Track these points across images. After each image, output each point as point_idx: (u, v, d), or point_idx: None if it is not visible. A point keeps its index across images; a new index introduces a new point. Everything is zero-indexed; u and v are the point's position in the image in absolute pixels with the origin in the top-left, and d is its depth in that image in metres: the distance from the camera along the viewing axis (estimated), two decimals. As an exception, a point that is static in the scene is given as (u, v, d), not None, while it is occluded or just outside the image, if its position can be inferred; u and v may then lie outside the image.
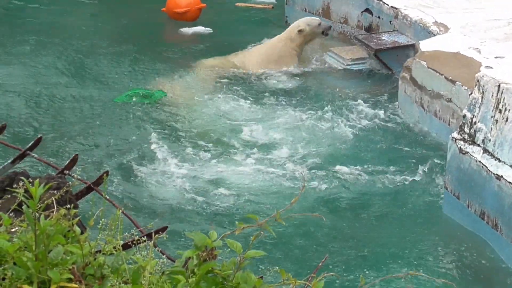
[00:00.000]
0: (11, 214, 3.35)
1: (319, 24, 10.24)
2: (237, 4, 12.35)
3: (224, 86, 9.54)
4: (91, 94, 9.27)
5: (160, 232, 3.48)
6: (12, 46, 10.59)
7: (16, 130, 8.24)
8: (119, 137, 8.30)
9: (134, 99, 8.92)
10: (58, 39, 10.81)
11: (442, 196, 7.28)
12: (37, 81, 9.56)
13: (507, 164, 6.51)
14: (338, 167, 7.85)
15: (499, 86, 6.66)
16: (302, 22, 10.27)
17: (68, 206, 3.33)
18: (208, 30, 11.31)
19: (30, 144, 4.44)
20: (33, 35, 10.94)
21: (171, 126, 8.60)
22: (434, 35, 9.00)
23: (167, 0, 11.49)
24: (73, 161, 4.33)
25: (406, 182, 7.62)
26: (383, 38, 9.65)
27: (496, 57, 7.88)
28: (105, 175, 3.98)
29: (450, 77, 7.93)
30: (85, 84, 9.54)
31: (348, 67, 9.89)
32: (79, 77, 9.75)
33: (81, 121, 8.66)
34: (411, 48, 9.23)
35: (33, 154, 4.44)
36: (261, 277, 3.00)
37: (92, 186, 4.21)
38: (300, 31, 10.14)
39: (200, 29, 11.30)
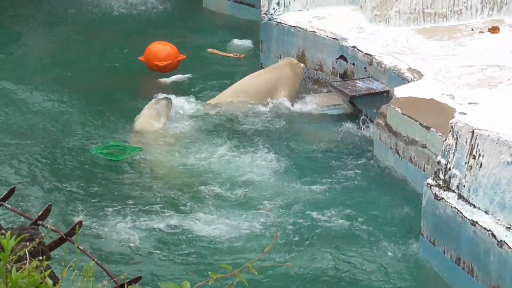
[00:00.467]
0: (-18, 267, 3.32)
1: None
2: (209, 50, 12.39)
3: (204, 130, 9.55)
4: (66, 144, 9.23)
5: (133, 283, 3.46)
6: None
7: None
8: (93, 187, 8.26)
9: (109, 153, 8.84)
10: (31, 89, 10.76)
11: (418, 242, 7.28)
12: (11, 130, 9.52)
13: (481, 210, 6.53)
14: (312, 213, 7.84)
15: (472, 132, 6.70)
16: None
17: (41, 257, 3.30)
18: (187, 75, 11.31)
19: (3, 195, 4.42)
20: (7, 86, 10.92)
21: (145, 175, 8.58)
22: (409, 81, 9.07)
23: (146, 51, 11.45)
24: (47, 211, 4.31)
25: (382, 229, 7.61)
26: (358, 84, 9.72)
27: (469, 103, 7.96)
28: (77, 226, 3.96)
29: (425, 123, 7.98)
30: (60, 134, 9.49)
31: (323, 112, 9.93)
32: (54, 126, 9.69)
33: (56, 171, 8.59)
34: (386, 94, 9.28)
35: (6, 205, 4.41)
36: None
37: (65, 236, 4.18)
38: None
39: (178, 77, 11.31)
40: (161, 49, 11.40)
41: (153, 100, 9.86)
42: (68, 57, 12.32)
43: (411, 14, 10.66)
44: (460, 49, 9.87)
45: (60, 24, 13.89)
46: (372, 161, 8.78)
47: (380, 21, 10.65)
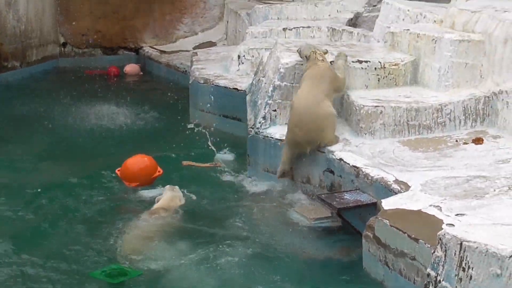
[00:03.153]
0: None
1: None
2: (184, 162, 12.37)
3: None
4: (62, 266, 9.05)
5: None
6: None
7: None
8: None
9: (108, 275, 8.68)
10: (24, 211, 10.67)
11: None
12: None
13: (473, 323, 6.49)
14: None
15: (461, 244, 6.72)
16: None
17: None
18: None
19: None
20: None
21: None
22: (396, 193, 9.11)
23: (124, 167, 11.22)
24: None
25: None
26: (345, 197, 9.75)
27: (457, 214, 7.98)
28: None
29: (413, 235, 7.97)
30: (57, 254, 9.32)
31: (311, 225, 9.92)
32: (50, 244, 9.57)
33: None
34: (374, 206, 9.30)
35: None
36: None
37: None
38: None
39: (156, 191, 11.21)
40: (139, 162, 11.23)
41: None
42: (51, 174, 12.27)
43: (396, 126, 10.81)
44: (445, 160, 9.96)
45: (44, 141, 13.91)
46: (361, 274, 8.73)
47: (365, 134, 10.78)
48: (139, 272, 8.78)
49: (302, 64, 11.36)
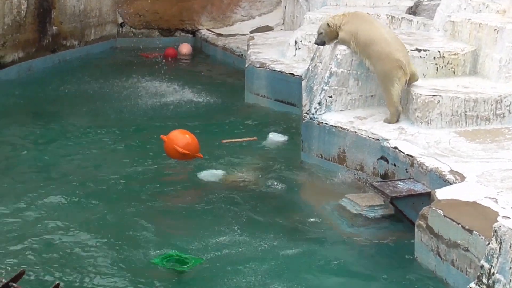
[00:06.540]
0: None
1: None
2: (223, 141, 12.38)
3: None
4: (123, 252, 8.96)
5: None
6: (36, 197, 10.33)
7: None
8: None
9: (170, 263, 8.56)
10: (87, 192, 10.60)
11: None
12: (66, 235, 9.34)
13: (527, 317, 6.38)
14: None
15: (517, 236, 6.60)
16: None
17: None
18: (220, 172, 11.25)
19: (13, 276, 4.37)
20: (61, 186, 10.77)
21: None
22: (450, 183, 9.00)
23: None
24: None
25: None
26: (399, 185, 9.65)
27: (513, 207, 7.87)
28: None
29: (467, 226, 7.86)
30: (116, 241, 9.22)
31: (363, 213, 9.85)
32: (109, 230, 9.47)
33: (111, 282, 8.33)
34: (427, 196, 9.19)
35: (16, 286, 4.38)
36: None
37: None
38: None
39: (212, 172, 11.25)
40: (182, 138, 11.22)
41: None
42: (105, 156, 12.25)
43: (453, 116, 10.66)
44: (503, 152, 9.81)
45: (100, 124, 13.85)
46: (413, 264, 8.64)
47: (421, 123, 10.66)
48: (201, 260, 8.73)
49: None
